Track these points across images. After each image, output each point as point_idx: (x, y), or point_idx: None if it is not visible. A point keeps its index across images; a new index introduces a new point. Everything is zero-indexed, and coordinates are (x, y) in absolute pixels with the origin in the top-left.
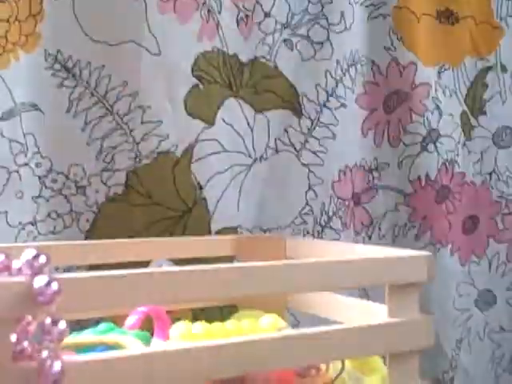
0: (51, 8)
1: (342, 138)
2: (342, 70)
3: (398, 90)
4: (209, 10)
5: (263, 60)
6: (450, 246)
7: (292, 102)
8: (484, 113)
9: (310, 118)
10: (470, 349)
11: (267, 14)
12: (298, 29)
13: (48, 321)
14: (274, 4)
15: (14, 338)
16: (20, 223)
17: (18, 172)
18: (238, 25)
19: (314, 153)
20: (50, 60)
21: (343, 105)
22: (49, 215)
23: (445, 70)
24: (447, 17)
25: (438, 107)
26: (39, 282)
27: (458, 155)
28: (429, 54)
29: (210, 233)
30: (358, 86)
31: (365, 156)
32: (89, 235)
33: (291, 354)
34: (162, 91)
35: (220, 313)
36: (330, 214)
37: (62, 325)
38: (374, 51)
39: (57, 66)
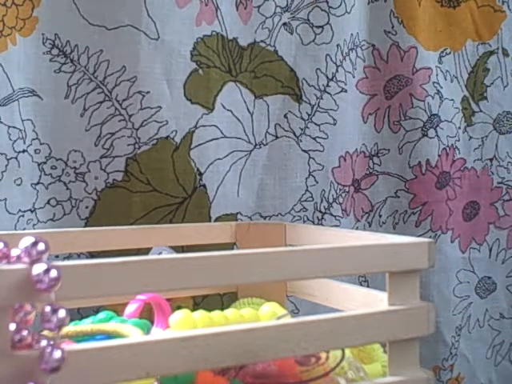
0: None
1: (343, 124)
2: (342, 55)
3: (398, 74)
4: None
5: (263, 44)
6: (450, 232)
7: (292, 86)
8: (485, 98)
9: (309, 103)
10: (469, 336)
11: None
12: (298, 12)
13: (48, 309)
14: None
15: (13, 327)
16: (19, 210)
17: (16, 159)
18: (237, 8)
19: (314, 139)
20: (47, 44)
21: (343, 90)
22: (48, 202)
23: (446, 54)
24: (448, 0)
25: (438, 92)
26: (38, 269)
27: (458, 141)
28: (430, 38)
29: (209, 220)
30: (359, 70)
31: (365, 142)
32: (88, 222)
33: (291, 343)
34: (160, 76)
35: (220, 301)
36: (330, 200)
37: (62, 313)
38: (375, 35)
39: (55, 51)
